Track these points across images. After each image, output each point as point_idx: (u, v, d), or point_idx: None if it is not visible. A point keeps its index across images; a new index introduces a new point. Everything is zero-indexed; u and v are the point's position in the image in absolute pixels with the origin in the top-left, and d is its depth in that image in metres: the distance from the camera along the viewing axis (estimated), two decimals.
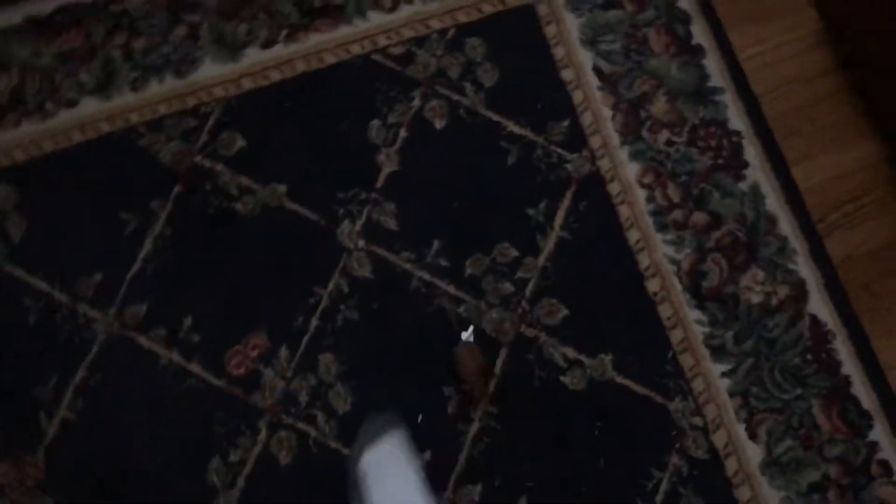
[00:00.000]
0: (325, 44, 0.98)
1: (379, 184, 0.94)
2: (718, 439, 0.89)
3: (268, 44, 0.98)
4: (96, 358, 0.89)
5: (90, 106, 0.96)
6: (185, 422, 0.88)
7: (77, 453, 0.87)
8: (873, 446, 0.90)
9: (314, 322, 0.91)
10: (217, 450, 0.87)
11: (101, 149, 0.95)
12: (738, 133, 0.98)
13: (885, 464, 0.89)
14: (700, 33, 1.00)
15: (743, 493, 0.88)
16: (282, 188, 0.94)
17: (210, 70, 0.97)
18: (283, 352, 0.90)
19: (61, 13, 0.99)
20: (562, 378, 0.91)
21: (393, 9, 0.99)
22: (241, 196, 0.94)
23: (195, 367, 0.89)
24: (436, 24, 0.99)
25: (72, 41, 0.98)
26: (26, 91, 0.96)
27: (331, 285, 0.91)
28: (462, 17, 0.99)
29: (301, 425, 0.88)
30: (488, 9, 1.00)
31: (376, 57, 0.98)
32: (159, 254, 0.92)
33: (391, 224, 0.93)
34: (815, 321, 0.93)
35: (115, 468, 0.86)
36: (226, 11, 0.99)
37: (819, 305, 0.93)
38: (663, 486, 0.88)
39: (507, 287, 0.92)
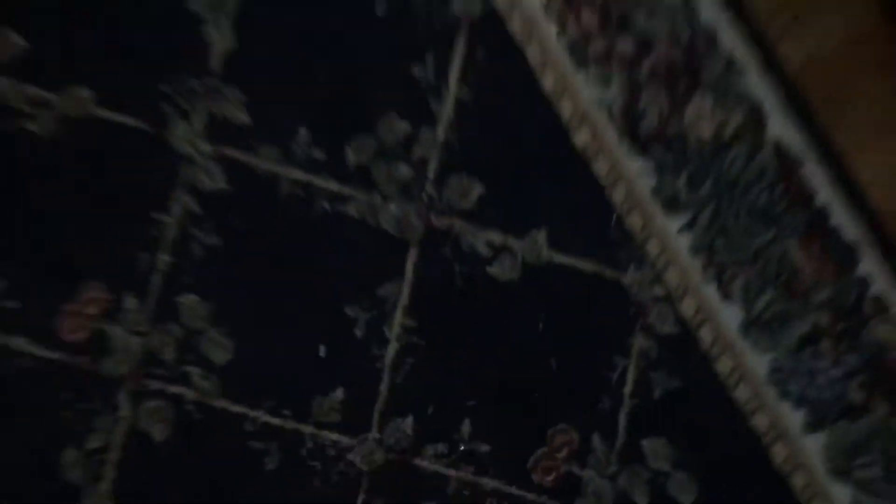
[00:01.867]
0: None
1: (213, 66, 0.86)
2: (686, 308, 0.90)
3: None
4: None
5: None
6: (21, 413, 0.81)
7: None
8: (863, 282, 0.92)
9: (163, 258, 0.84)
10: (70, 439, 0.82)
11: None
12: None
13: (879, 300, 0.91)
14: None
15: (724, 364, 0.89)
16: (85, 93, 0.85)
17: None
18: (130, 301, 0.84)
19: None
20: (489, 269, 0.89)
21: None
22: (34, 112, 0.85)
23: (19, 343, 0.82)
24: None
25: None
26: None
27: (175, 207, 0.85)
28: None
29: (173, 388, 0.83)
30: None
31: None
32: None
33: (241, 115, 0.87)
34: (779, 148, 0.93)
35: None
36: None
37: (781, 129, 0.93)
38: (630, 375, 0.88)
39: (404, 171, 0.89)
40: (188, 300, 0.91)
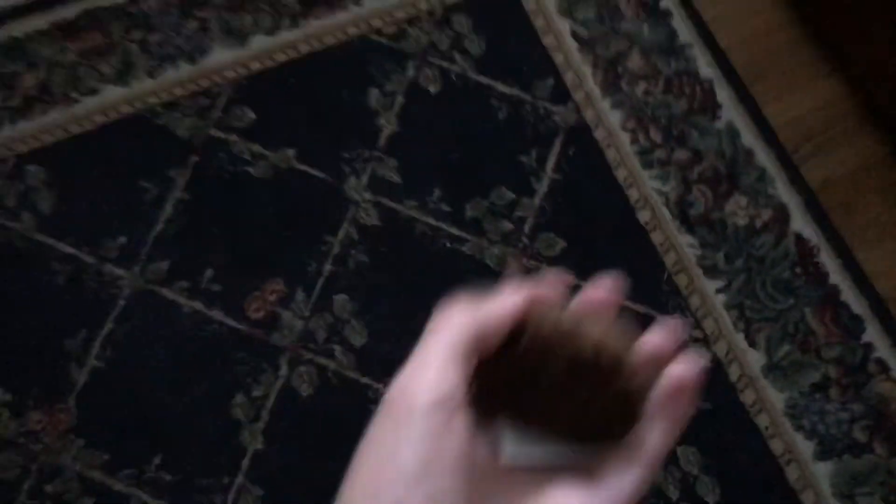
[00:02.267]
0: (324, 28, 1.40)
1: (381, 143, 1.32)
2: (719, 349, 1.22)
3: (272, 30, 1.40)
4: (122, 311, 1.23)
5: (111, 93, 1.36)
6: (209, 364, 1.21)
7: (106, 398, 1.19)
8: (868, 347, 1.22)
9: (327, 267, 1.26)
10: (241, 387, 1.20)
11: (123, 129, 1.34)
12: (709, 80, 1.37)
13: (881, 362, 1.22)
14: None
15: (748, 397, 1.20)
16: (290, 152, 1.32)
17: (220, 56, 1.38)
18: (300, 295, 1.24)
19: (83, 17, 1.40)
20: None
21: None
22: (253, 161, 1.31)
23: (217, 314, 1.23)
24: (424, 6, 1.41)
25: (93, 39, 1.39)
26: (52, 84, 1.36)
27: (341, 233, 1.27)
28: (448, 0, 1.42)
29: (320, 359, 1.21)
30: None
31: (372, 37, 1.39)
32: (179, 216, 1.29)
33: (394, 177, 1.30)
34: (800, 238, 1.28)
35: (143, 410, 1.19)
36: (233, 6, 1.40)
37: (801, 224, 1.29)
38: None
39: (507, 225, 1.28)
40: (340, 298, 1.30)
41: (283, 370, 1.27)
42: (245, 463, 1.22)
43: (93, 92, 1.43)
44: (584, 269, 1.32)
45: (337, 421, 1.25)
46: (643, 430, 0.40)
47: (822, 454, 1.23)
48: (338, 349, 1.28)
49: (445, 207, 1.37)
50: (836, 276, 1.33)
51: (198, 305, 1.30)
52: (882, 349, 1.28)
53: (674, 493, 1.21)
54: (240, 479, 1.21)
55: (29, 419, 1.24)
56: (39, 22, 1.48)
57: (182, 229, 1.35)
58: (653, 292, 1.32)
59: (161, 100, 1.43)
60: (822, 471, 1.23)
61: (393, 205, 1.36)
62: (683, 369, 0.40)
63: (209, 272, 1.32)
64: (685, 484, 1.22)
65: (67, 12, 1.49)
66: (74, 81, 1.44)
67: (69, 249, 1.33)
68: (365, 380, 1.26)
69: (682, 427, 0.41)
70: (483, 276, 1.32)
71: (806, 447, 1.24)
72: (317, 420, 1.24)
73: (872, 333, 1.29)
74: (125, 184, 1.38)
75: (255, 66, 1.45)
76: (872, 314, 1.30)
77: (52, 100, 1.43)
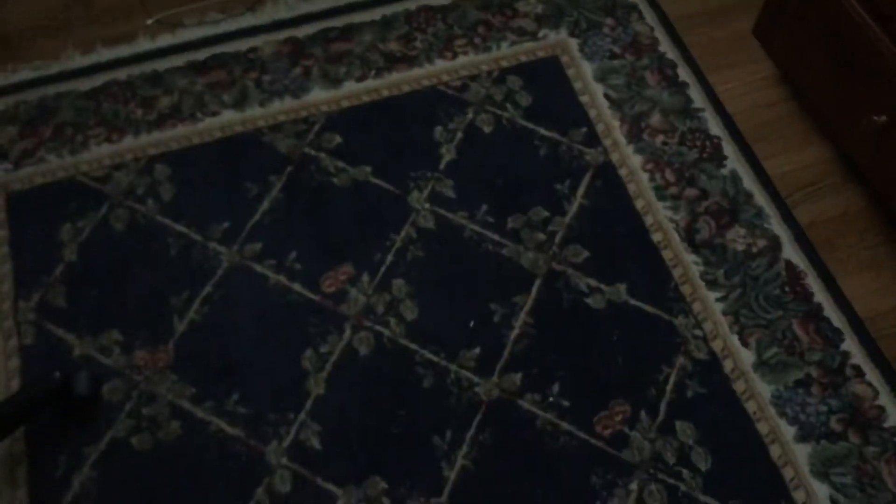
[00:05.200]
0: (403, 79, 1.72)
1: (441, 167, 1.60)
2: (716, 345, 1.43)
3: (361, 79, 1.71)
4: (220, 279, 1.49)
5: (228, 116, 1.67)
6: (286, 325, 1.45)
7: (199, 346, 1.43)
8: (846, 354, 1.42)
9: (389, 258, 1.51)
10: (311, 344, 1.43)
11: (235, 143, 1.65)
12: (717, 137, 1.64)
13: (857, 367, 1.41)
14: (684, 74, 1.71)
15: (739, 386, 1.39)
16: (367, 168, 1.61)
17: (318, 95, 1.70)
18: (365, 277, 1.49)
19: (211, 59, 1.74)
20: (585, 299, 1.47)
21: (453, 58, 1.72)
22: (337, 173, 1.59)
23: (296, 286, 1.48)
24: (484, 68, 1.72)
25: (218, 76, 1.72)
26: (183, 106, 1.68)
27: (403, 233, 1.53)
28: (504, 63, 1.72)
29: (378, 327, 1.44)
30: (524, 58, 1.73)
31: (440, 87, 1.69)
32: (274, 210, 1.56)
33: (450, 193, 1.57)
34: (790, 264, 1.51)
35: (228, 357, 1.44)
36: (331, 58, 1.73)
37: (791, 253, 1.51)
38: (672, 378, 1.40)
39: (540, 236, 1.53)
40: (398, 282, 1.54)
41: (347, 333, 1.49)
42: (308, 404, 1.42)
43: (214, 114, 1.74)
44: (604, 276, 1.54)
45: (387, 377, 1.45)
46: None
47: (802, 438, 1.39)
48: (392, 321, 1.50)
49: (490, 219, 1.62)
50: (820, 296, 1.53)
51: (282, 279, 1.55)
52: (858, 357, 1.46)
53: (671, 459, 1.38)
54: (302, 416, 1.41)
55: (135, 356, 1.47)
56: (177, 61, 1.82)
57: (275, 221, 1.62)
58: (662, 298, 1.53)
59: (268, 123, 1.73)
60: (802, 452, 1.38)
61: (447, 214, 1.62)
62: None
63: (293, 254, 1.57)
64: (681, 452, 1.38)
65: (199, 55, 1.83)
66: (200, 105, 1.76)
67: (182, 229, 1.60)
68: (413, 346, 1.48)
69: None
70: (518, 275, 1.55)
71: (788, 431, 1.40)
72: (370, 375, 1.45)
73: (850, 344, 1.48)
74: (233, 184, 1.66)
75: (345, 103, 1.76)
76: (851, 329, 1.49)
77: (181, 117, 1.74)
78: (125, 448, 1.38)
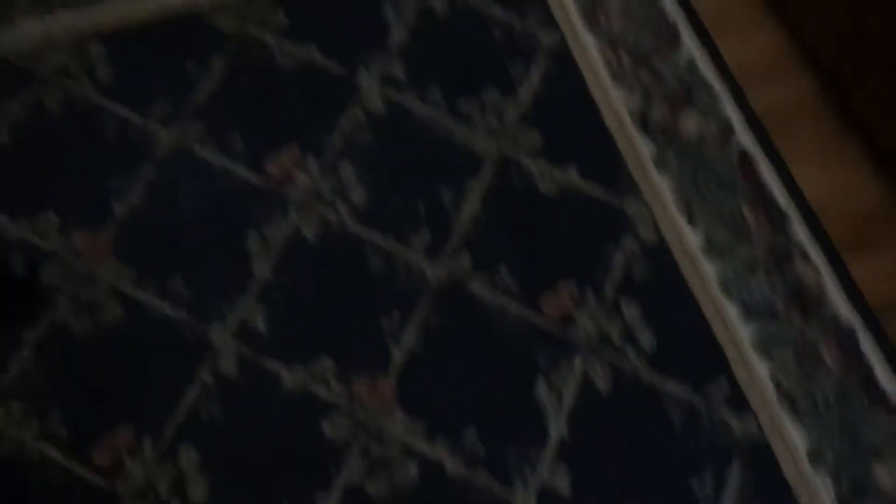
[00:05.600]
0: None
1: (391, 47, 1.53)
2: (665, 228, 1.43)
3: None
4: (160, 161, 1.46)
5: None
6: (229, 208, 1.45)
7: (140, 228, 1.42)
8: (793, 238, 1.44)
9: (337, 140, 1.50)
10: (255, 227, 1.40)
11: (176, 21, 1.57)
12: (674, 23, 1.59)
13: (803, 251, 1.44)
14: None
15: (686, 268, 1.39)
16: (314, 48, 1.58)
17: None
18: (312, 160, 1.47)
19: None
20: (536, 183, 1.44)
21: None
22: (282, 54, 1.53)
23: (240, 169, 1.46)
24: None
25: None
26: None
27: (351, 115, 1.51)
28: None
29: (325, 211, 1.41)
30: None
31: None
32: (216, 92, 1.51)
33: (400, 74, 1.54)
34: (742, 149, 1.50)
35: (170, 240, 1.43)
36: None
37: (744, 138, 1.49)
38: (620, 260, 1.39)
39: (493, 120, 1.49)
40: (346, 165, 1.51)
41: (293, 217, 1.46)
42: (253, 286, 1.40)
43: None
44: (556, 160, 1.52)
45: (335, 261, 1.43)
46: None
47: (746, 317, 1.41)
48: (340, 204, 1.47)
49: (441, 101, 1.57)
50: (770, 180, 1.52)
51: (225, 161, 1.49)
52: (804, 240, 1.47)
53: (616, 339, 1.38)
54: (248, 298, 1.39)
55: (73, 239, 1.42)
56: None
57: (217, 102, 1.56)
58: (612, 182, 1.52)
59: (211, 2, 1.64)
60: (745, 330, 1.40)
61: (396, 96, 1.57)
62: None
63: (236, 136, 1.52)
64: (627, 332, 1.39)
65: None
66: None
67: (120, 110, 1.53)
68: (361, 230, 1.45)
69: None
70: (468, 160, 1.52)
71: (733, 311, 1.41)
72: (317, 258, 1.43)
73: (797, 228, 1.48)
74: (173, 64, 1.59)
75: None
76: (798, 213, 1.49)
77: None
78: (65, 332, 1.34)
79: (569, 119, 1.57)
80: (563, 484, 1.28)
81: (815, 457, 1.31)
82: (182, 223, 1.45)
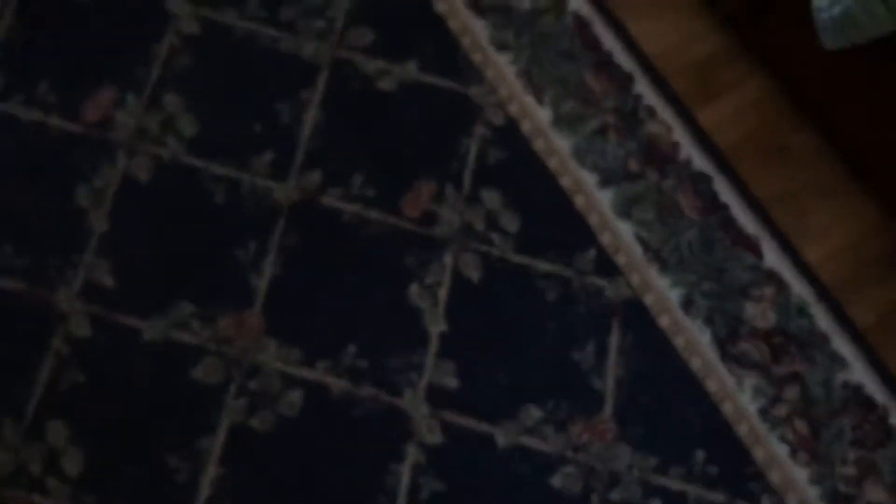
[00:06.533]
0: None
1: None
2: (512, 108, 1.39)
3: None
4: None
5: None
6: (50, 163, 1.33)
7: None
8: (638, 97, 1.40)
9: (155, 72, 1.39)
10: (83, 179, 1.28)
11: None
12: None
13: (650, 108, 1.39)
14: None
15: (539, 145, 1.36)
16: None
17: None
18: (131, 97, 1.36)
19: None
20: (376, 83, 1.37)
21: None
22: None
23: (54, 120, 1.33)
24: None
25: None
26: None
27: (166, 42, 1.37)
28: None
29: (155, 149, 1.32)
30: None
31: None
32: (9, 39, 1.34)
33: None
34: (577, 16, 1.47)
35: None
36: None
37: (577, 3, 1.43)
38: (473, 148, 1.35)
39: (319, 24, 1.39)
40: (169, 96, 1.40)
41: (122, 161, 1.35)
42: (93, 242, 1.29)
43: None
44: (392, 56, 1.44)
45: (175, 199, 1.34)
46: None
47: (604, 183, 1.40)
48: (170, 140, 1.37)
49: (261, 13, 1.46)
50: (609, 43, 1.50)
51: (36, 114, 1.36)
52: (650, 98, 1.46)
53: (480, 227, 1.35)
54: (88, 256, 1.29)
55: None
56: None
57: (14, 50, 1.40)
58: (453, 69, 1.46)
59: None
60: (605, 197, 1.39)
61: (211, 14, 1.45)
62: None
63: (43, 85, 1.38)
64: (490, 219, 1.36)
65: None
66: None
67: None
68: (198, 162, 1.35)
69: None
70: (300, 69, 1.43)
71: (590, 179, 1.40)
72: (156, 201, 1.34)
73: (641, 86, 1.47)
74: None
75: None
76: (641, 71, 1.48)
77: None
78: None
79: (399, 11, 1.49)
80: (449, 379, 1.26)
81: (687, 305, 1.33)
82: (1, 189, 1.32)
